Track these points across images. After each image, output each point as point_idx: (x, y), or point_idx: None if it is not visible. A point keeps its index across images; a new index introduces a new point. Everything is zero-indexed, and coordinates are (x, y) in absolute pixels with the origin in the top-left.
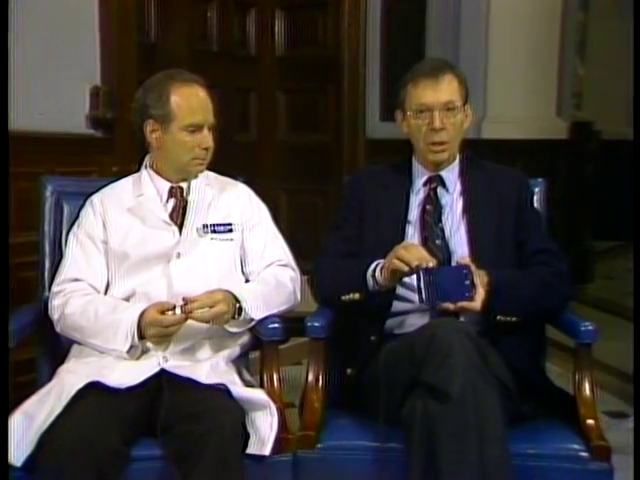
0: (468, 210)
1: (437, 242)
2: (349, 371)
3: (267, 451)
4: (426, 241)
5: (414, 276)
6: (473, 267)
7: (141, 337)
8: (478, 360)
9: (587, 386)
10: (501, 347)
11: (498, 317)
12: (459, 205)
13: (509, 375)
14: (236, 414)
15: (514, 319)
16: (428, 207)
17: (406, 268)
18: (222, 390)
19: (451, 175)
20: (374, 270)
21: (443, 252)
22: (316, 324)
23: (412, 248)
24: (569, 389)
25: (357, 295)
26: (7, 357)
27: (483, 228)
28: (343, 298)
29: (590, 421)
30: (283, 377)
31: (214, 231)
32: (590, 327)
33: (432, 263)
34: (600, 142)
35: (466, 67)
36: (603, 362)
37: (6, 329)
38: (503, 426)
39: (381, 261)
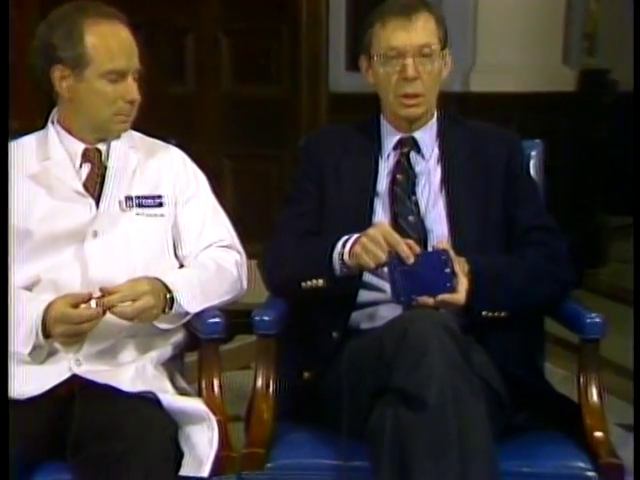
0: (447, 180)
1: (410, 219)
2: (306, 375)
3: (205, 472)
4: (396, 218)
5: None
6: (452, 252)
7: (47, 336)
8: (460, 360)
9: (594, 391)
10: (489, 344)
11: (483, 312)
12: (437, 174)
13: (499, 378)
14: (167, 429)
15: (502, 314)
16: (399, 176)
17: (372, 265)
18: (150, 400)
19: (427, 137)
20: (342, 248)
21: (418, 231)
22: (266, 318)
23: (379, 235)
24: (573, 395)
25: (320, 281)
26: (6, 358)
27: (465, 202)
28: (303, 285)
29: (598, 434)
30: (226, 384)
31: (140, 205)
32: (597, 319)
33: (411, 259)
34: (616, 95)
35: (450, 3)
36: (614, 362)
37: (6, 328)
38: (491, 440)
39: (351, 237)
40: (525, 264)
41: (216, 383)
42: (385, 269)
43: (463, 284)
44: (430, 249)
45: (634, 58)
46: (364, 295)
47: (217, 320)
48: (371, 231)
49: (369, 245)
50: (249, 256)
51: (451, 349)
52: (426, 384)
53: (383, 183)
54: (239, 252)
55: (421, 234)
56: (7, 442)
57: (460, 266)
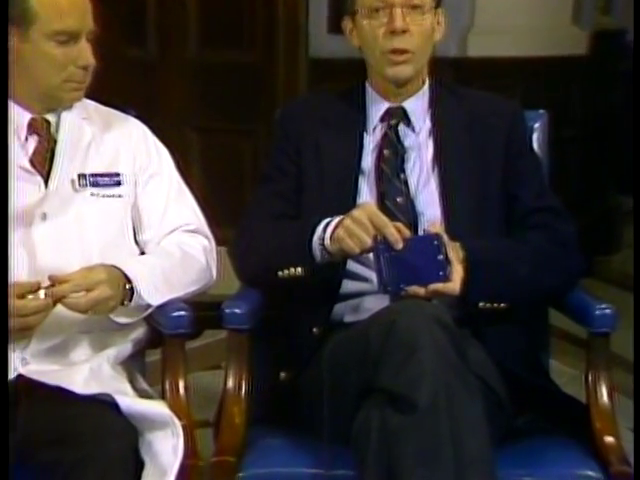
0: (441, 156)
1: (398, 200)
2: (283, 374)
3: None
4: (383, 199)
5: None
6: (445, 237)
7: None
8: (454, 356)
9: (604, 391)
10: (487, 339)
11: (480, 304)
12: (429, 149)
13: (497, 377)
14: (125, 435)
15: (502, 305)
16: (386, 152)
17: (357, 250)
18: (106, 403)
19: (418, 107)
20: (323, 232)
21: (407, 214)
22: (237, 311)
23: (364, 217)
24: (582, 396)
25: (299, 270)
26: (6, 359)
27: (461, 181)
28: (280, 274)
29: (609, 439)
30: (193, 385)
31: (95, 184)
32: (607, 311)
33: (399, 243)
34: (634, 59)
35: None
36: (627, 359)
37: (6, 327)
38: (489, 445)
39: (332, 220)
40: (527, 249)
41: (181, 384)
42: (371, 255)
43: (458, 272)
44: (421, 233)
45: (634, 58)
46: (348, 285)
47: (182, 313)
48: (355, 212)
49: (353, 228)
50: (219, 242)
51: (444, 344)
52: (416, 383)
53: (368, 159)
54: (207, 237)
55: (411, 217)
56: (7, 442)
57: (454, 252)
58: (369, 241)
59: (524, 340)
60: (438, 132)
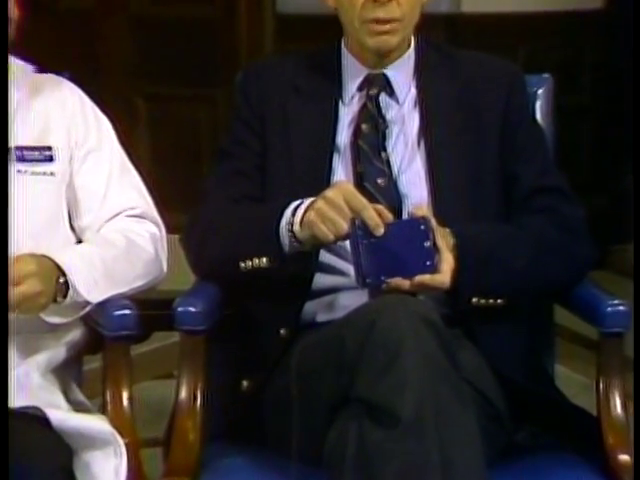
0: (428, 130)
1: (379, 181)
2: (245, 384)
3: None
4: (361, 180)
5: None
6: (433, 221)
7: None
8: (444, 361)
9: (617, 401)
10: (481, 341)
11: (473, 299)
12: (414, 122)
13: (494, 384)
14: (57, 455)
15: (499, 301)
16: (365, 126)
17: (331, 237)
18: (35, 417)
19: (402, 74)
20: (292, 217)
21: (389, 196)
22: (192, 309)
23: (340, 198)
24: (593, 407)
25: (264, 261)
26: (6, 355)
27: (451, 158)
28: (242, 266)
29: (622, 456)
30: (139, 397)
31: (22, 159)
32: (620, 308)
33: (380, 228)
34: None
35: None
36: None
37: (6, 328)
38: (483, 463)
39: (303, 203)
40: (528, 236)
41: (125, 396)
42: (347, 244)
43: (447, 262)
44: (405, 217)
45: (634, 57)
46: (321, 279)
47: (127, 312)
48: (329, 193)
49: (327, 211)
50: (170, 229)
51: (432, 347)
52: (399, 393)
53: (344, 134)
54: (156, 223)
55: (394, 199)
56: (7, 444)
57: (443, 239)
58: (345, 226)
59: (525, 342)
60: (425, 102)
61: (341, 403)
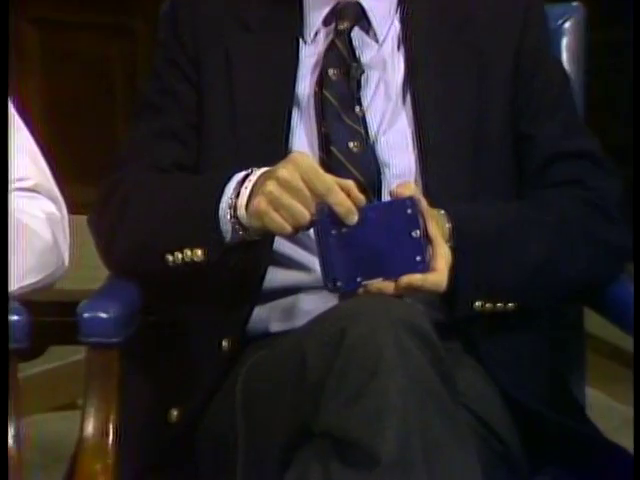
0: (416, 77)
1: (351, 146)
2: (174, 413)
3: None
4: (327, 144)
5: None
6: (423, 202)
7: None
8: (436, 383)
9: None
10: (487, 357)
11: (476, 303)
12: (398, 67)
13: (503, 414)
14: None
15: (509, 305)
16: (332, 72)
17: (288, 229)
18: None
19: (382, 3)
20: (235, 197)
21: (365, 167)
22: (103, 315)
23: (297, 177)
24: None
25: (199, 253)
26: (7, 357)
27: (446, 115)
28: (170, 259)
29: None
30: (32, 433)
31: None
32: None
33: (352, 215)
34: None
35: None
36: None
37: (6, 328)
38: None
39: (251, 176)
40: (547, 218)
41: (11, 431)
42: (311, 233)
43: (443, 256)
44: (386, 198)
45: (633, 58)
46: (276, 275)
47: (15, 319)
48: (283, 171)
49: (280, 195)
50: (74, 208)
51: (420, 365)
52: (377, 425)
53: (306, 83)
54: (55, 200)
55: (371, 170)
56: (6, 443)
57: (438, 226)
58: (306, 214)
59: (545, 358)
60: (412, 41)
61: (301, 438)
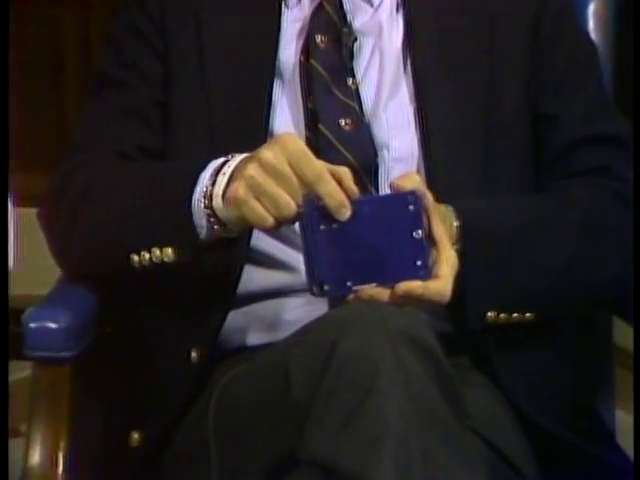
0: (417, 45)
1: (343, 123)
2: (135, 437)
3: None
4: (315, 121)
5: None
6: (428, 197)
7: None
8: (441, 404)
9: None
10: (501, 375)
11: (488, 314)
12: (396, 33)
13: (518, 440)
14: None
15: (527, 315)
16: (320, 39)
17: (270, 221)
18: None
19: None
20: (211, 185)
21: (360, 149)
22: (52, 325)
23: (283, 162)
24: None
25: (169, 252)
26: (7, 356)
27: (453, 89)
28: (135, 260)
29: None
30: None
31: None
32: None
33: (344, 210)
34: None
35: None
36: None
37: (6, 328)
38: None
39: (229, 163)
40: (571, 213)
41: None
42: (297, 227)
43: (449, 260)
44: (384, 185)
45: (634, 59)
46: (253, 277)
47: None
48: (267, 153)
49: (263, 182)
50: (21, 200)
51: (423, 383)
52: (372, 452)
53: (290, 52)
54: None
55: (367, 154)
56: (7, 442)
57: (444, 224)
58: (292, 205)
59: (568, 376)
60: (412, 3)
61: (283, 467)
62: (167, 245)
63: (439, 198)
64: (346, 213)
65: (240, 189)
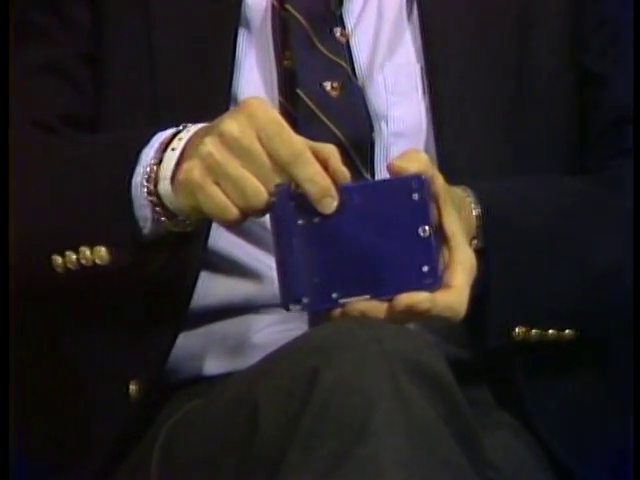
0: None
1: (328, 88)
2: None
3: None
4: (292, 85)
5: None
6: (439, 182)
7: None
8: (453, 450)
9: None
10: (533, 412)
11: (516, 330)
12: None
13: None
14: None
15: (566, 332)
16: None
17: (234, 213)
18: None
19: None
20: (154, 167)
21: (352, 119)
22: None
23: (252, 137)
24: None
25: (103, 252)
26: (7, 356)
27: (471, 41)
28: (57, 263)
29: None
30: None
31: None
32: None
33: (329, 201)
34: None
35: None
36: None
37: (6, 326)
38: None
39: (180, 136)
40: (621, 201)
41: None
42: (267, 222)
43: (462, 265)
44: (381, 167)
45: (634, 60)
46: (211, 287)
47: None
48: (232, 123)
49: (225, 159)
50: None
51: (429, 422)
52: None
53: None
54: None
55: (359, 127)
56: (7, 442)
57: (461, 214)
58: (263, 193)
59: (615, 412)
60: None
61: None
62: (99, 243)
63: (452, 179)
64: (331, 204)
65: (195, 170)
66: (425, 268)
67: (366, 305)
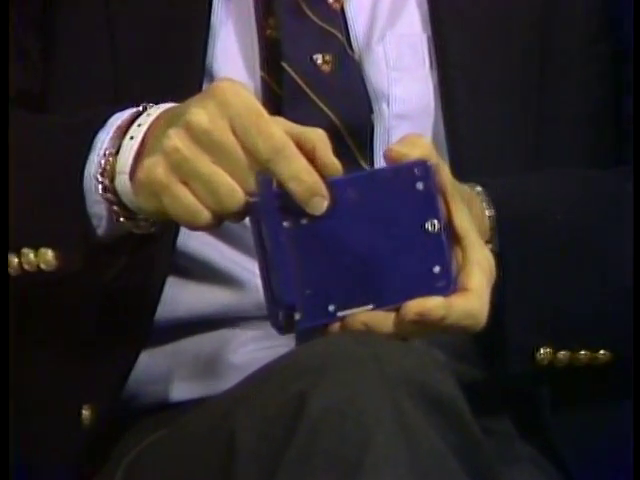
0: None
1: (319, 61)
2: None
3: None
4: (276, 58)
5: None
6: (445, 172)
7: None
8: None
9: None
10: (561, 446)
11: (541, 351)
12: None
13: None
14: None
15: (600, 353)
16: None
17: (206, 215)
18: None
19: None
20: (111, 157)
21: (348, 98)
22: None
23: (225, 127)
24: None
25: (49, 255)
26: (7, 356)
27: (487, 10)
28: None
29: None
30: None
31: None
32: None
33: (319, 200)
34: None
35: None
36: None
37: (6, 324)
38: None
39: (140, 121)
40: None
41: None
42: (247, 224)
43: (481, 264)
44: (378, 164)
45: (634, 60)
46: (181, 299)
47: None
48: (201, 112)
49: (193, 155)
50: None
51: (438, 455)
52: None
53: None
54: None
55: (356, 108)
56: (7, 442)
57: (472, 213)
58: (238, 192)
59: None
60: None
61: None
62: (44, 245)
63: (464, 175)
64: (321, 204)
65: (158, 168)
66: (436, 269)
67: (369, 316)
